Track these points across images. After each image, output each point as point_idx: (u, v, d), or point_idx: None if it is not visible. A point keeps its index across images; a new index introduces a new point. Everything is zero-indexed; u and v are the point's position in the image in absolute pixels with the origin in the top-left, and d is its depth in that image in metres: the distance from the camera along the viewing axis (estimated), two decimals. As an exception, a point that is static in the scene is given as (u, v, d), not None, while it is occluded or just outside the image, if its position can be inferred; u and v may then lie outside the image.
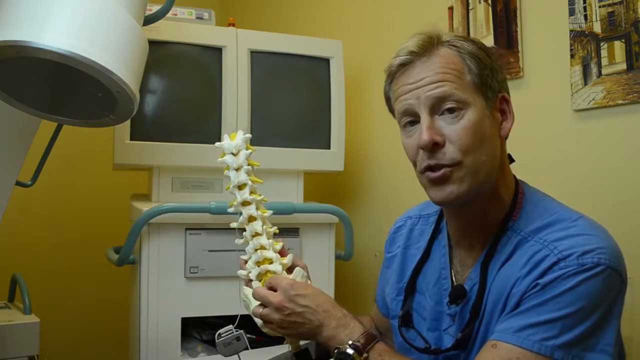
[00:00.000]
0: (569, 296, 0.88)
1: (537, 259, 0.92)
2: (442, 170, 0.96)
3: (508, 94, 1.03)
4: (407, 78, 0.99)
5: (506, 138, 1.02)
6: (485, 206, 1.01)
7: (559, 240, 0.92)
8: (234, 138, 1.10)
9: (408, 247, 1.18)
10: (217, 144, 1.10)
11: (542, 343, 0.87)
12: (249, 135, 1.10)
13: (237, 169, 1.09)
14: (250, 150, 1.09)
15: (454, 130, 0.95)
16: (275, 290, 1.04)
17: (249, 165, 1.09)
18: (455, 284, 1.06)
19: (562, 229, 0.94)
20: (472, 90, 0.96)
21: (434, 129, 0.95)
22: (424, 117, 0.96)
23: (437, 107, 0.96)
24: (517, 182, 1.05)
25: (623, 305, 0.94)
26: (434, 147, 0.95)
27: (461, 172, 0.95)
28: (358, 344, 0.95)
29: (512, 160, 1.06)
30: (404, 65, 1.00)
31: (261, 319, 1.04)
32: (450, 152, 0.95)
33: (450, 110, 0.95)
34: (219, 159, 1.10)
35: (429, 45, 0.99)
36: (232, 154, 1.09)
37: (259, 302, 1.06)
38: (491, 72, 0.98)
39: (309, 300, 1.00)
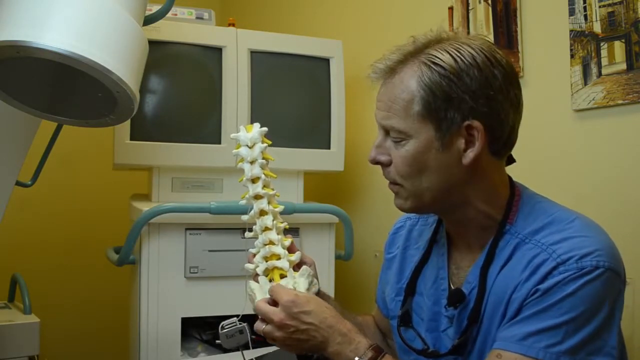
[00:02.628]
0: (570, 301, 0.88)
1: (536, 263, 0.92)
2: (392, 185, 1.04)
3: (486, 119, 0.95)
4: (378, 93, 1.04)
5: (475, 164, 0.97)
6: (462, 217, 1.02)
7: (557, 244, 0.92)
8: (250, 130, 1.10)
9: (407, 248, 1.19)
10: (232, 135, 1.11)
11: (547, 350, 0.87)
12: (265, 129, 1.10)
13: (251, 162, 1.09)
14: (265, 144, 1.10)
15: (395, 156, 1.00)
16: (276, 303, 1.02)
17: (263, 158, 1.09)
18: (452, 285, 1.06)
19: (559, 231, 0.94)
20: (418, 120, 0.96)
21: (382, 147, 1.03)
22: (378, 135, 1.03)
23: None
24: (514, 186, 1.04)
25: (623, 306, 0.94)
26: (379, 164, 1.04)
27: (404, 192, 1.02)
28: (364, 359, 0.95)
29: (512, 161, 1.06)
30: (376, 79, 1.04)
31: (264, 335, 1.03)
32: (392, 173, 1.02)
33: (394, 138, 1.00)
34: (234, 151, 1.10)
35: (399, 63, 0.99)
36: (248, 146, 1.09)
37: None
38: (449, 104, 0.94)
39: (312, 316, 0.98)
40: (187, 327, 1.79)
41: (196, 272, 1.74)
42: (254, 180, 1.09)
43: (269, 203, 1.09)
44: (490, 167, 1.00)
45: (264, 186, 1.09)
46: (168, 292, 1.73)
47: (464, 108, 0.94)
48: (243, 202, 1.11)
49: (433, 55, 0.96)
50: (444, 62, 0.94)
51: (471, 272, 1.02)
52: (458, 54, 0.95)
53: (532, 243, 0.95)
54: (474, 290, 0.99)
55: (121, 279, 2.14)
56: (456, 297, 1.01)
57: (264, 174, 1.09)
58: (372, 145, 1.04)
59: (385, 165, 1.02)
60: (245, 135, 1.09)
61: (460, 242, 1.07)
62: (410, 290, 1.11)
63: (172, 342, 1.73)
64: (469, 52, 0.95)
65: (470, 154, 0.96)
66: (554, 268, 0.90)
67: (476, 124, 0.95)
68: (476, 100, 0.94)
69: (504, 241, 0.99)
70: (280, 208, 1.11)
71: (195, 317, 1.79)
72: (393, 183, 1.03)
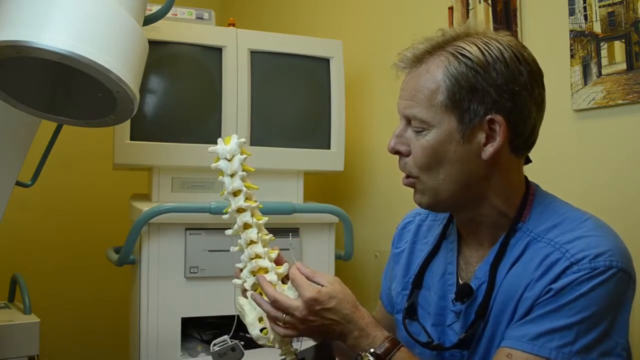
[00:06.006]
0: (583, 301, 0.88)
1: (549, 262, 0.92)
2: (408, 179, 1.03)
3: (508, 115, 0.95)
4: (403, 82, 1.03)
5: (494, 159, 0.97)
6: (477, 214, 1.02)
7: (570, 243, 0.92)
8: (229, 142, 1.07)
9: (415, 243, 1.19)
10: (210, 149, 1.08)
11: (559, 350, 0.87)
12: (243, 140, 1.08)
13: (231, 175, 1.06)
14: (245, 155, 1.07)
15: (415, 146, 1.00)
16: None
17: (243, 170, 1.06)
18: (460, 281, 1.06)
19: (572, 230, 0.94)
20: (441, 110, 0.96)
21: (402, 137, 1.01)
22: (399, 125, 1.02)
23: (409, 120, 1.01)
24: (529, 185, 1.04)
25: (632, 305, 0.93)
26: (397, 154, 1.02)
27: (421, 186, 1.01)
28: (379, 352, 0.97)
29: (528, 162, 1.06)
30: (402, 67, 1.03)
31: (284, 324, 1.03)
32: (409, 165, 1.01)
33: (415, 127, 0.99)
34: (213, 164, 1.08)
35: (426, 53, 0.99)
36: (226, 159, 1.06)
37: (271, 306, 1.03)
38: (474, 95, 0.95)
39: (333, 313, 1.00)
40: (187, 327, 1.79)
41: (196, 272, 1.74)
42: (235, 194, 1.07)
43: (252, 216, 1.07)
44: (509, 165, 1.00)
45: (246, 199, 1.07)
46: (168, 292, 1.73)
47: (488, 101, 0.95)
48: (226, 216, 1.09)
49: (461, 47, 0.96)
50: (471, 54, 0.95)
51: (480, 268, 1.02)
52: (486, 48, 0.95)
53: (544, 241, 0.95)
54: (483, 286, 0.99)
55: (121, 279, 2.14)
56: (464, 292, 1.01)
57: (245, 186, 1.06)
58: (393, 134, 1.02)
59: (404, 155, 1.01)
60: (223, 148, 1.06)
61: (471, 238, 1.07)
62: (417, 283, 1.12)
63: (172, 342, 1.73)
64: (497, 46, 0.96)
65: (489, 149, 0.96)
66: (568, 267, 0.90)
67: (498, 118, 0.95)
68: (500, 94, 0.95)
69: (516, 239, 0.99)
70: (264, 220, 1.09)
71: (195, 317, 1.79)
72: (409, 176, 1.02)
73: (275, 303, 1.03)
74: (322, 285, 1.02)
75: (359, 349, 0.99)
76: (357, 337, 1.00)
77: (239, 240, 1.09)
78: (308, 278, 1.03)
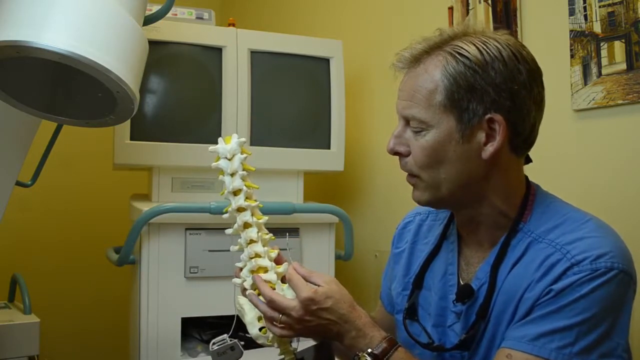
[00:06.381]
0: (583, 303, 0.88)
1: (550, 263, 0.92)
2: (408, 177, 1.03)
3: (508, 114, 0.95)
4: (401, 82, 1.03)
5: (494, 159, 0.97)
6: (477, 214, 1.02)
7: (571, 244, 0.92)
8: (229, 142, 1.07)
9: (416, 243, 1.19)
10: (210, 148, 1.08)
11: (559, 351, 0.87)
12: (244, 139, 1.08)
13: (231, 174, 1.07)
14: (245, 155, 1.07)
15: (414, 146, 1.00)
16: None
17: (244, 170, 1.07)
18: (461, 281, 1.06)
19: (573, 231, 0.94)
20: (440, 110, 0.96)
21: (401, 138, 1.02)
22: (398, 125, 1.02)
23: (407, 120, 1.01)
24: (530, 185, 1.04)
25: (632, 306, 0.93)
26: (396, 155, 1.03)
27: (422, 183, 1.01)
28: (377, 352, 0.97)
29: (529, 161, 1.06)
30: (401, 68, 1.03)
31: (280, 323, 1.03)
32: (410, 164, 1.01)
33: (414, 127, 0.99)
34: (213, 164, 1.08)
35: (424, 53, 0.99)
36: (227, 158, 1.07)
37: (267, 306, 1.03)
38: (472, 95, 0.94)
39: (329, 312, 1.00)
40: (187, 327, 1.79)
41: (196, 272, 1.74)
42: (235, 193, 1.07)
43: (252, 215, 1.07)
44: (509, 164, 1.00)
45: (246, 198, 1.07)
46: (168, 292, 1.73)
47: (487, 100, 0.94)
48: (226, 216, 1.09)
49: (459, 46, 0.96)
50: (469, 53, 0.95)
51: (481, 269, 1.02)
52: (484, 47, 0.95)
53: (545, 242, 0.95)
54: (484, 287, 0.99)
55: (121, 279, 2.14)
56: (465, 293, 1.01)
57: (245, 185, 1.07)
58: (391, 135, 1.02)
59: (404, 155, 1.01)
60: (223, 147, 1.07)
61: (471, 239, 1.06)
62: (418, 283, 1.12)
63: (172, 342, 1.74)
64: (495, 45, 0.95)
65: (490, 148, 0.96)
66: (568, 268, 0.90)
67: (498, 117, 0.95)
68: (499, 93, 0.94)
69: (517, 239, 0.99)
70: (265, 219, 1.09)
71: (195, 317, 1.79)
72: (410, 175, 1.02)
73: (271, 303, 1.03)
74: (318, 285, 1.02)
75: (356, 349, 0.99)
76: (355, 337, 0.99)
77: (239, 240, 1.09)
78: (305, 278, 1.03)
